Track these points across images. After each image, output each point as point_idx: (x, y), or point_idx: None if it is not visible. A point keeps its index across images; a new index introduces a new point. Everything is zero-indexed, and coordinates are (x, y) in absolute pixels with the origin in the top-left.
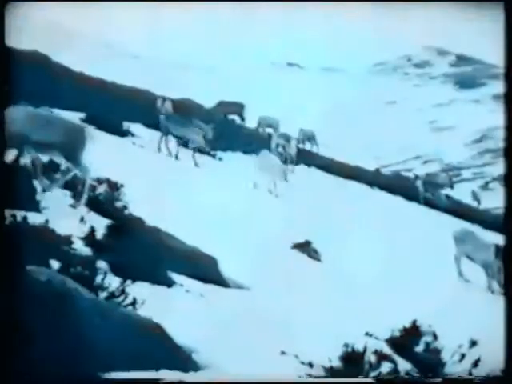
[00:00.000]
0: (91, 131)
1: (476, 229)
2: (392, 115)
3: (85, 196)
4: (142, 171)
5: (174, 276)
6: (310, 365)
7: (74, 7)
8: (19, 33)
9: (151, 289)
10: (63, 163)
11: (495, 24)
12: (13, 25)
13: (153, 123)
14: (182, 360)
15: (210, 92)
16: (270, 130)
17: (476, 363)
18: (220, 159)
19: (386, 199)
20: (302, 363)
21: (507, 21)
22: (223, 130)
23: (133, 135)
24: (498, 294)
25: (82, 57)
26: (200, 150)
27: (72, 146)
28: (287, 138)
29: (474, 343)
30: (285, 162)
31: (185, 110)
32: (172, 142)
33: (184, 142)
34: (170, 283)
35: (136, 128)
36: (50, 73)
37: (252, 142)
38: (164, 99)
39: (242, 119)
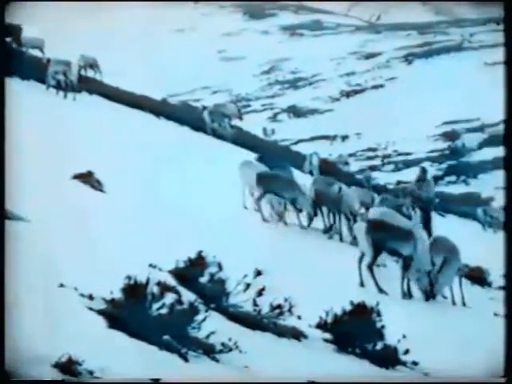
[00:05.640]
0: None
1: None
2: (180, 44)
3: None
4: None
5: None
6: (91, 297)
7: None
8: None
9: None
10: None
11: None
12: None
13: None
14: None
15: None
16: (37, 52)
17: (260, 292)
18: None
19: (172, 129)
20: (82, 295)
21: (507, 21)
22: None
23: None
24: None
25: None
26: None
27: None
28: (67, 63)
29: (259, 273)
30: (65, 89)
31: None
32: None
33: None
34: None
35: None
36: None
37: (29, 67)
38: None
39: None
